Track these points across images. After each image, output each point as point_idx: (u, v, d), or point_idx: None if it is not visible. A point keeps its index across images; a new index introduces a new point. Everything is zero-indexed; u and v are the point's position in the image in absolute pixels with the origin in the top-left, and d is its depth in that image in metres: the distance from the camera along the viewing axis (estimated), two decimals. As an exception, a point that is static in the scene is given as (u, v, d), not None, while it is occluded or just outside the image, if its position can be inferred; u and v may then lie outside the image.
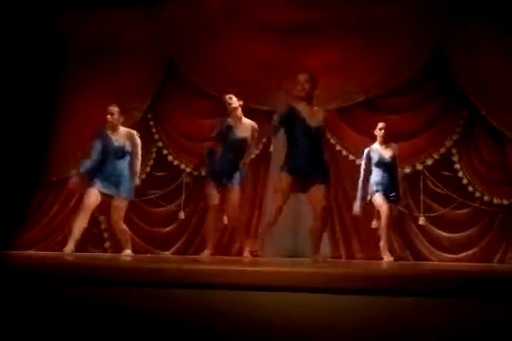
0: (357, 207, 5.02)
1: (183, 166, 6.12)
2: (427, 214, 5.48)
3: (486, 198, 5.41)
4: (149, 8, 6.18)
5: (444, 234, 5.51)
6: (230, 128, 4.61)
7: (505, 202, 5.37)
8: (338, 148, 5.81)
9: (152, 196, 6.11)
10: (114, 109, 4.82)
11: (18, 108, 6.07)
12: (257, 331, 2.24)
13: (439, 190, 5.54)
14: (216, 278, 2.38)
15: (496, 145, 5.46)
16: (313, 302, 2.27)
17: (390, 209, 4.95)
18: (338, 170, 5.80)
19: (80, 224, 4.61)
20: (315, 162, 3.85)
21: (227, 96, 4.64)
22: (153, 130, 6.27)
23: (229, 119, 4.67)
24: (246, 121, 4.73)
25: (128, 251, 4.82)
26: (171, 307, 2.35)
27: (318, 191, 3.78)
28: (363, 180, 5.08)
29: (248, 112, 5.80)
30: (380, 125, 5.15)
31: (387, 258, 4.84)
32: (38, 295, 2.46)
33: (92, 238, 6.08)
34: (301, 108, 3.87)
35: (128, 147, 4.82)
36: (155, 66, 6.19)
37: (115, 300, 2.40)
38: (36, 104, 6.22)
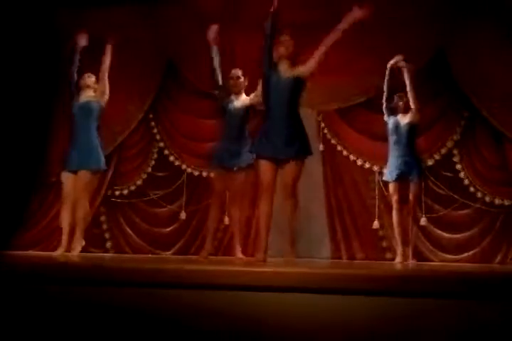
0: None
1: (184, 166, 6.12)
2: (428, 215, 5.47)
3: (487, 199, 5.40)
4: (148, 7, 6.17)
5: (445, 234, 5.50)
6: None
7: (506, 202, 5.36)
8: (339, 148, 5.81)
9: (153, 196, 6.11)
10: None
11: (16, 107, 6.07)
12: (256, 331, 2.24)
13: (440, 191, 5.53)
14: (216, 278, 2.38)
15: (497, 145, 5.45)
16: (313, 302, 2.27)
17: (401, 204, 4.78)
18: (339, 171, 5.80)
19: (65, 217, 4.47)
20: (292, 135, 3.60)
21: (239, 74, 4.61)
22: (155, 130, 6.27)
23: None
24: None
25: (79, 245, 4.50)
26: (172, 307, 2.35)
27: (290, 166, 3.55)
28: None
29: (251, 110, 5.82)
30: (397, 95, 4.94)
31: (399, 259, 4.82)
32: (39, 296, 2.46)
33: (93, 238, 6.08)
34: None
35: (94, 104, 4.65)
36: (155, 66, 6.19)
37: (116, 301, 2.40)
38: (35, 103, 6.22)
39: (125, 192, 6.14)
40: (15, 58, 6.04)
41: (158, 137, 6.26)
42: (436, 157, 5.56)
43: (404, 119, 4.94)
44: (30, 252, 5.77)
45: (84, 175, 4.46)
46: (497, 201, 5.38)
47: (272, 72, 3.84)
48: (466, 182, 5.48)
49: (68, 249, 4.47)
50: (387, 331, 2.16)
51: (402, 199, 4.83)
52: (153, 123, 6.29)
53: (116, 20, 6.20)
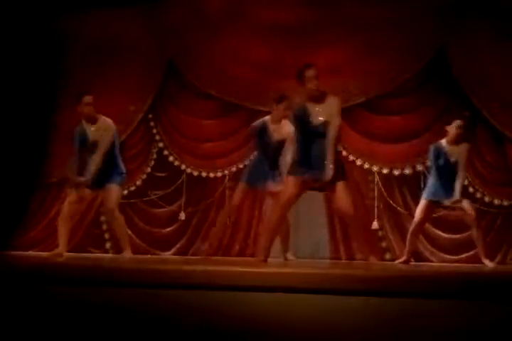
0: None
1: (183, 167, 6.12)
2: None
3: (486, 199, 5.41)
4: (149, 8, 6.18)
5: (444, 235, 5.50)
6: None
7: (505, 203, 5.36)
8: (338, 148, 5.79)
9: (153, 197, 6.11)
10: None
11: (17, 108, 6.07)
12: (256, 332, 2.24)
13: (439, 191, 5.52)
14: (216, 279, 2.38)
15: (496, 146, 5.46)
16: (313, 303, 2.27)
17: (422, 220, 4.74)
18: (339, 171, 5.79)
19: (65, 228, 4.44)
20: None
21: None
22: (154, 131, 6.27)
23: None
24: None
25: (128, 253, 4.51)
26: (172, 308, 2.35)
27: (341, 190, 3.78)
28: None
29: (249, 113, 5.83)
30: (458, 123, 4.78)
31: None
32: (38, 296, 2.46)
33: (93, 239, 6.09)
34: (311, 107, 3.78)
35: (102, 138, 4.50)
36: (155, 66, 6.19)
37: (115, 301, 2.40)
38: (36, 104, 6.22)
39: (125, 192, 6.13)
40: (17, 60, 6.05)
41: (157, 137, 6.26)
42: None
43: (454, 155, 4.78)
44: (30, 253, 5.77)
45: (115, 188, 4.43)
46: (496, 201, 5.38)
47: (303, 116, 3.83)
48: (466, 182, 5.48)
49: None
50: (387, 331, 2.16)
51: (424, 217, 4.76)
52: (152, 124, 6.29)
53: (117, 22, 6.21)
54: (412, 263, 4.95)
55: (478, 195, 5.43)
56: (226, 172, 5.93)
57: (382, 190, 5.59)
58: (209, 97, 6.07)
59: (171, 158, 6.17)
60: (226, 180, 5.93)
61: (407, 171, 5.59)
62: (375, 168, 5.67)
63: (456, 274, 2.78)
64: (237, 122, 5.98)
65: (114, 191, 4.41)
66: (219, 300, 2.32)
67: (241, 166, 5.81)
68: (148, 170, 6.19)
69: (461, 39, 5.49)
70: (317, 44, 5.74)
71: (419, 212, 4.76)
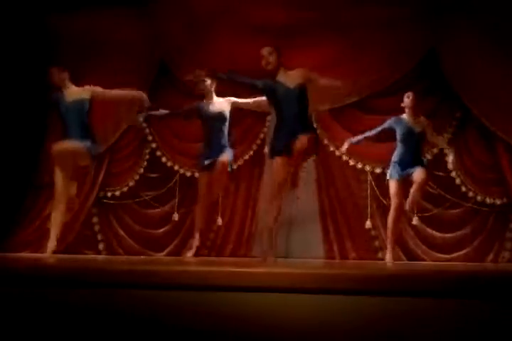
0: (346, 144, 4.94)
1: (176, 167, 6.10)
2: (420, 214, 5.49)
3: (478, 198, 5.44)
4: (140, 8, 6.15)
5: (437, 233, 5.53)
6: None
7: (497, 201, 5.40)
8: (331, 148, 5.82)
9: (145, 197, 6.09)
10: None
11: (9, 108, 6.03)
12: (250, 333, 2.23)
13: (432, 190, 5.55)
14: (210, 280, 2.37)
15: (488, 145, 5.49)
16: (307, 303, 2.27)
17: (401, 203, 4.77)
18: (331, 171, 5.81)
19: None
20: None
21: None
22: (146, 131, 6.25)
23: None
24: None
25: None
26: (165, 309, 2.34)
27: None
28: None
29: (241, 113, 5.83)
30: (409, 95, 4.94)
31: (389, 258, 4.82)
32: (30, 298, 2.44)
33: (85, 240, 6.06)
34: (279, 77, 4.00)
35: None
36: (147, 66, 6.17)
37: (108, 303, 2.39)
38: (29, 105, 6.19)
39: (117, 193, 6.11)
40: (7, 59, 6.00)
41: (150, 138, 6.24)
42: (428, 156, 5.58)
43: (416, 127, 4.91)
44: (22, 254, 5.74)
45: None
46: (488, 200, 5.41)
47: (272, 84, 4.03)
48: (458, 181, 5.51)
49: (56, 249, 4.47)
50: (380, 331, 2.17)
51: (401, 198, 4.80)
52: (144, 124, 6.27)
53: (107, 22, 6.19)
54: (405, 262, 4.96)
55: (471, 194, 5.46)
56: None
57: (375, 189, 5.61)
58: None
59: (163, 159, 6.15)
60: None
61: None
62: (367, 168, 5.69)
63: (449, 273, 2.79)
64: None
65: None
66: (212, 300, 2.32)
67: (234, 167, 5.80)
68: (141, 170, 6.17)
69: (452, 39, 5.51)
70: (307, 44, 5.74)
71: (394, 195, 4.76)
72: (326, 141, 5.82)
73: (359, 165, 5.72)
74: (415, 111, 4.94)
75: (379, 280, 2.32)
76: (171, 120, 6.20)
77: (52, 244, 4.49)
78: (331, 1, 5.79)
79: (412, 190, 4.72)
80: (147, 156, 6.21)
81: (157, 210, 6.09)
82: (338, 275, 2.42)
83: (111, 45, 6.18)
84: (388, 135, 5.62)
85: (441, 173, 5.58)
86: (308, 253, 5.53)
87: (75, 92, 4.64)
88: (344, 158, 5.76)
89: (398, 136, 4.92)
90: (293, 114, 3.94)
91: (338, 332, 2.19)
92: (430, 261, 5.35)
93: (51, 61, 6.27)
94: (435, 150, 5.60)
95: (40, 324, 2.37)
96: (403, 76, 5.61)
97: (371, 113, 5.74)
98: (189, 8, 6.09)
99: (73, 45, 6.24)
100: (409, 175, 4.79)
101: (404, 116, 4.96)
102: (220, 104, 4.92)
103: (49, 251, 4.50)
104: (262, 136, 5.89)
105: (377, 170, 5.65)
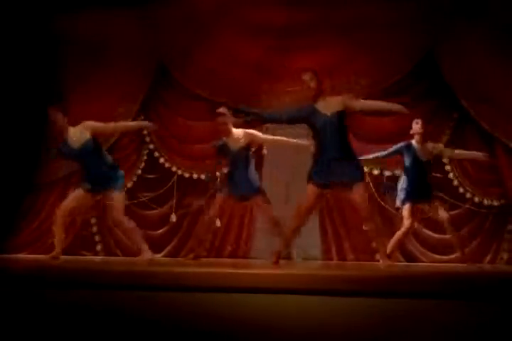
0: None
1: (174, 168, 6.09)
2: (418, 216, 5.50)
3: (476, 199, 5.44)
4: (140, 10, 6.16)
5: (434, 235, 5.53)
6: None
7: (495, 203, 5.40)
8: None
9: (143, 198, 6.08)
10: None
11: (10, 109, 6.03)
12: (248, 333, 2.23)
13: (430, 192, 5.55)
14: (208, 281, 2.38)
15: (485, 146, 5.49)
16: (306, 304, 2.27)
17: (413, 223, 4.83)
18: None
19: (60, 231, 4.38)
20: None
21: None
22: (144, 132, 6.25)
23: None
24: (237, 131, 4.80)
25: (147, 253, 4.37)
26: (163, 309, 2.34)
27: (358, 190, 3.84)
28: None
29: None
30: (418, 121, 4.87)
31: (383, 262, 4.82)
32: (29, 299, 2.44)
33: (83, 241, 6.05)
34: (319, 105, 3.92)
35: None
36: (146, 68, 6.17)
37: (106, 304, 2.39)
38: (30, 105, 6.18)
39: (115, 194, 6.09)
40: (11, 61, 6.01)
41: (148, 139, 6.23)
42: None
43: (423, 156, 4.86)
44: (20, 255, 5.73)
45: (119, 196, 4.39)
46: (486, 201, 5.42)
47: (311, 113, 3.94)
48: (456, 183, 5.52)
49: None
50: (378, 332, 2.17)
51: (413, 221, 4.83)
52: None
53: (107, 23, 6.19)
54: (403, 263, 4.96)
55: (468, 196, 5.47)
56: (217, 173, 5.92)
57: (373, 190, 5.61)
58: (199, 98, 6.06)
59: (161, 160, 6.15)
60: (217, 182, 5.91)
61: (398, 172, 5.60)
62: (366, 169, 5.67)
63: (447, 275, 2.79)
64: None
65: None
66: (211, 301, 2.32)
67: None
68: (139, 172, 6.15)
69: (451, 41, 5.52)
70: (307, 45, 5.76)
71: (406, 217, 4.81)
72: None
73: (357, 167, 5.72)
74: (424, 137, 4.88)
75: (377, 281, 2.32)
76: (169, 121, 6.21)
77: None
78: (330, 3, 5.79)
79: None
80: (145, 157, 6.20)
81: (155, 211, 6.08)
82: (336, 276, 2.43)
83: (110, 46, 6.19)
84: (385, 137, 5.64)
85: (439, 175, 5.58)
86: (307, 255, 5.53)
87: (76, 136, 4.38)
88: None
89: (405, 163, 4.89)
90: (334, 142, 3.86)
91: (336, 333, 2.19)
92: (428, 263, 5.35)
93: (54, 63, 6.30)
94: (433, 152, 5.59)
95: (39, 324, 2.36)
96: (402, 77, 5.61)
97: (370, 114, 5.74)
98: (189, 10, 6.10)
99: (75, 46, 6.25)
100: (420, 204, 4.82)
101: (414, 142, 4.88)
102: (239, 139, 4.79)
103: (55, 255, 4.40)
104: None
105: (375, 172, 5.66)
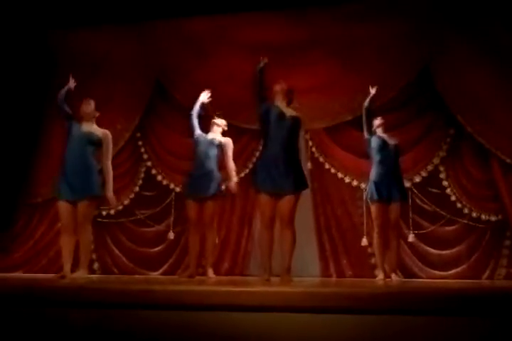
0: None
1: (172, 186, 6.09)
2: (416, 231, 5.49)
3: (474, 214, 5.44)
4: (137, 27, 6.22)
5: (433, 250, 5.52)
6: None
7: (493, 218, 5.40)
8: (327, 166, 5.83)
9: (140, 216, 6.06)
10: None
11: (3, 125, 6.05)
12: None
13: (427, 207, 5.56)
14: (205, 299, 2.36)
15: (482, 162, 5.51)
16: (305, 322, 2.25)
17: (384, 223, 4.68)
18: (327, 188, 5.81)
19: (66, 245, 4.30)
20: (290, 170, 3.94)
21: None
22: (142, 149, 6.26)
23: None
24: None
25: (82, 272, 4.28)
26: (160, 328, 2.32)
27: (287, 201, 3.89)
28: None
29: (237, 131, 5.85)
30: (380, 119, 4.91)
31: (380, 276, 4.79)
32: (24, 318, 2.41)
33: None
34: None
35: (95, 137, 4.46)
36: (143, 85, 6.21)
37: (103, 323, 2.36)
38: (22, 122, 6.20)
39: (112, 211, 6.09)
40: (6, 76, 6.04)
41: (145, 156, 6.24)
42: (423, 174, 5.60)
43: (391, 140, 4.93)
44: (16, 274, 5.68)
45: (83, 204, 4.26)
46: (484, 216, 5.41)
47: (269, 106, 4.08)
48: (453, 198, 5.52)
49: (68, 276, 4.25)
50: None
51: (384, 221, 4.72)
52: (140, 143, 6.28)
53: (104, 41, 6.25)
54: (401, 279, 4.94)
55: (466, 211, 5.46)
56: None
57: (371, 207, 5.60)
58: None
59: (159, 177, 6.15)
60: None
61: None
62: (363, 185, 5.69)
63: (446, 291, 2.78)
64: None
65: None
66: (208, 320, 2.30)
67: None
68: (137, 189, 6.15)
69: (445, 56, 5.57)
70: (303, 63, 5.81)
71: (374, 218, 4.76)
72: (321, 159, 5.84)
73: (354, 183, 5.73)
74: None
75: (376, 298, 2.31)
76: (167, 139, 6.23)
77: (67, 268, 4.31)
78: (325, 21, 5.86)
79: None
80: (142, 174, 6.20)
81: (152, 229, 6.06)
82: (334, 293, 2.41)
83: (106, 64, 6.24)
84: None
85: (436, 190, 5.59)
86: (305, 272, 5.50)
87: (89, 127, 4.49)
88: (340, 175, 5.78)
89: (374, 154, 4.81)
90: (282, 147, 3.96)
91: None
92: (426, 279, 5.32)
93: (48, 79, 6.32)
94: (430, 168, 5.62)
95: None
96: (398, 94, 5.66)
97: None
98: (186, 28, 6.16)
99: (71, 63, 6.28)
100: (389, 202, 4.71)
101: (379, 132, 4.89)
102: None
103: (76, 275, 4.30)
104: (257, 154, 5.89)
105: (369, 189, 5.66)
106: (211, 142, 4.99)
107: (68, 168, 4.37)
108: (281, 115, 4.04)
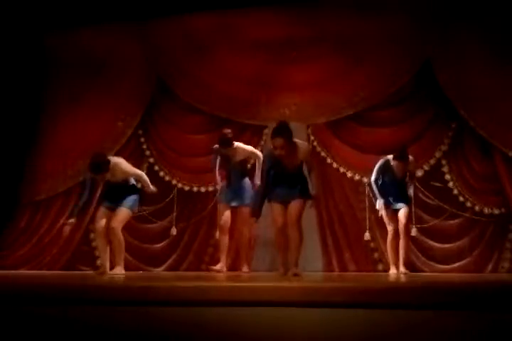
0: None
1: (174, 182, 6.10)
2: (418, 226, 5.48)
3: (476, 208, 5.43)
4: (139, 25, 6.22)
5: (436, 244, 5.51)
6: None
7: (495, 211, 5.39)
8: (328, 160, 5.83)
9: (143, 212, 6.07)
10: None
11: (3, 124, 6.05)
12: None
13: (430, 201, 5.55)
14: (209, 295, 2.36)
15: (484, 155, 5.49)
16: (307, 317, 2.25)
17: (397, 227, 4.79)
18: (329, 183, 5.81)
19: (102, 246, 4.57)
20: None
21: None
22: (144, 146, 6.27)
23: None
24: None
25: (120, 270, 4.55)
26: (164, 324, 2.32)
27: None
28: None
29: (239, 127, 5.84)
30: None
31: (392, 270, 4.84)
32: (28, 316, 2.42)
33: (82, 256, 6.02)
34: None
35: None
36: (145, 82, 6.21)
37: (106, 320, 2.37)
38: (23, 121, 6.21)
39: (115, 208, 6.08)
40: (5, 77, 6.04)
41: (148, 153, 6.25)
42: (426, 167, 5.59)
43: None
44: (20, 271, 5.70)
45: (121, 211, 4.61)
46: (486, 210, 5.40)
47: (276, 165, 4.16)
48: (456, 192, 5.51)
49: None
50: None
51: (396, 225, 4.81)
52: (142, 139, 6.29)
53: (106, 39, 6.25)
54: (405, 273, 4.93)
55: (469, 204, 5.46)
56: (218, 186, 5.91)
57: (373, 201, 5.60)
58: (198, 112, 6.09)
59: (161, 173, 6.16)
60: (217, 194, 5.91)
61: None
62: (365, 180, 5.68)
63: (449, 285, 2.78)
64: (226, 136, 5.98)
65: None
66: (212, 316, 2.30)
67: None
68: (139, 185, 6.15)
69: (447, 50, 5.55)
70: (305, 59, 5.80)
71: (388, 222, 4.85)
72: (323, 154, 5.83)
73: (356, 177, 5.73)
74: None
75: (379, 292, 2.31)
76: (168, 135, 6.23)
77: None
78: (327, 17, 5.85)
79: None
80: (145, 171, 6.19)
81: (155, 225, 6.07)
82: (338, 288, 2.41)
83: (109, 61, 6.24)
84: (385, 147, 5.64)
85: (438, 184, 5.58)
86: (308, 267, 5.51)
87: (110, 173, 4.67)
88: (341, 169, 5.77)
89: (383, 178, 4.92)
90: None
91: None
92: (430, 273, 5.32)
93: (49, 78, 6.33)
94: (432, 162, 5.61)
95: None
96: (400, 88, 5.64)
97: (368, 125, 5.76)
98: (187, 26, 6.16)
99: (72, 62, 6.30)
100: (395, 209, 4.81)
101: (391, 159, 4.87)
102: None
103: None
104: (259, 149, 5.88)
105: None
106: None
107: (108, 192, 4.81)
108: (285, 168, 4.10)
